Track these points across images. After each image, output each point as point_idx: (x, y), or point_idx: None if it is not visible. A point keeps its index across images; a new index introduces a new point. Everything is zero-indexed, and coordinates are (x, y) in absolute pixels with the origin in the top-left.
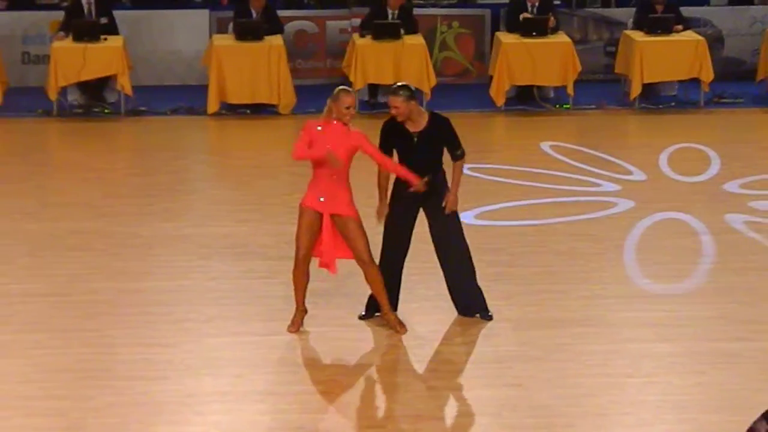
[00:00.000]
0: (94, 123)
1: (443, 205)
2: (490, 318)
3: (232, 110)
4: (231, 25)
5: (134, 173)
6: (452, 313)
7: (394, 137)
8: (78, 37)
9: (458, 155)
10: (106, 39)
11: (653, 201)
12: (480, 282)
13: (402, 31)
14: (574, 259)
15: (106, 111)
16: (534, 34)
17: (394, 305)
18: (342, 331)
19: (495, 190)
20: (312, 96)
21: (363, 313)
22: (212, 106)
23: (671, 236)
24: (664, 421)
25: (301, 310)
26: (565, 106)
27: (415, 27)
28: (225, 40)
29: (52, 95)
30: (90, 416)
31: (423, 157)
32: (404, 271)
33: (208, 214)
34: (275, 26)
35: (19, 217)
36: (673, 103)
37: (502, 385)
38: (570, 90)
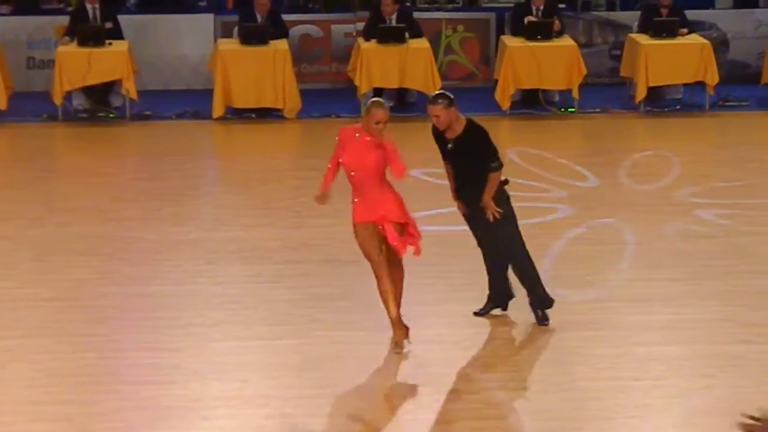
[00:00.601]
0: (100, 128)
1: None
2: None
3: (237, 114)
4: (236, 30)
5: (140, 177)
6: (460, 316)
7: (438, 141)
8: (83, 42)
9: (492, 167)
10: (111, 44)
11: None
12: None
13: (407, 35)
14: (578, 263)
15: (111, 116)
16: (539, 37)
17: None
18: (347, 335)
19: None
20: (317, 100)
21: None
22: (217, 110)
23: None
24: (672, 424)
25: (399, 328)
26: (570, 109)
27: (419, 31)
28: (230, 45)
29: (57, 100)
30: (96, 421)
31: (459, 163)
32: (415, 274)
33: (214, 219)
34: (280, 30)
35: (24, 222)
36: (678, 107)
37: (509, 389)
38: (575, 93)
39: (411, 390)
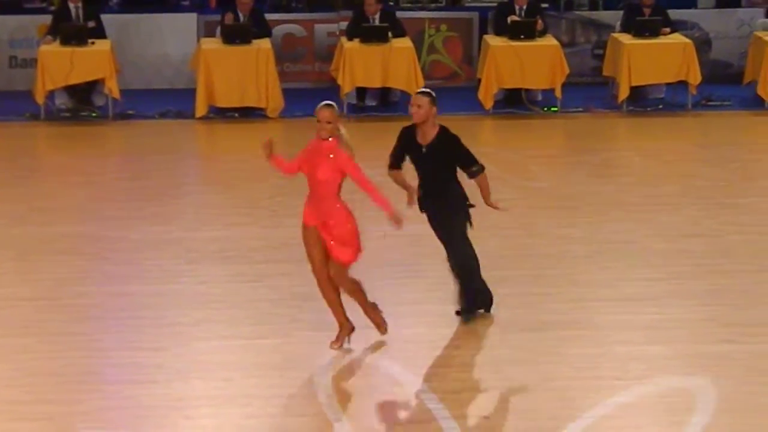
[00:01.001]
0: (82, 127)
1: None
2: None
3: (220, 114)
4: (219, 29)
5: (123, 177)
6: (439, 316)
7: (407, 145)
8: (65, 41)
9: (474, 171)
10: (93, 43)
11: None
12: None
13: (389, 35)
14: (561, 262)
15: (93, 115)
16: (522, 37)
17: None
18: (329, 334)
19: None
20: (300, 99)
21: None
22: (200, 109)
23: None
24: (655, 423)
25: (346, 327)
26: (552, 109)
27: (402, 30)
28: (213, 44)
29: (40, 99)
30: (78, 420)
31: (431, 169)
32: (391, 273)
33: (196, 218)
34: (263, 30)
35: (6, 222)
36: (660, 106)
37: (491, 388)
38: (558, 93)
39: (391, 389)
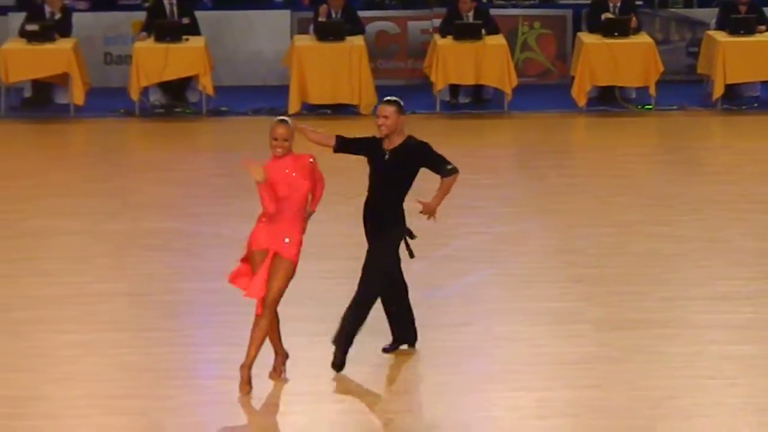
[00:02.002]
0: (176, 123)
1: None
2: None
3: (313, 111)
4: (312, 26)
5: (215, 173)
6: (530, 314)
7: (370, 147)
8: (160, 38)
9: (449, 170)
10: (188, 39)
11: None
12: (561, 283)
13: (483, 32)
14: (655, 261)
15: (187, 111)
16: (616, 34)
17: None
18: (420, 330)
19: (568, 191)
20: (393, 96)
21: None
22: (293, 106)
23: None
24: (747, 423)
25: (281, 355)
26: (646, 106)
27: (495, 27)
28: (306, 41)
29: (134, 95)
30: (170, 415)
31: (386, 178)
32: (481, 271)
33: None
34: (356, 26)
35: (99, 217)
36: (755, 104)
37: (582, 387)
38: (652, 91)
39: (481, 387)
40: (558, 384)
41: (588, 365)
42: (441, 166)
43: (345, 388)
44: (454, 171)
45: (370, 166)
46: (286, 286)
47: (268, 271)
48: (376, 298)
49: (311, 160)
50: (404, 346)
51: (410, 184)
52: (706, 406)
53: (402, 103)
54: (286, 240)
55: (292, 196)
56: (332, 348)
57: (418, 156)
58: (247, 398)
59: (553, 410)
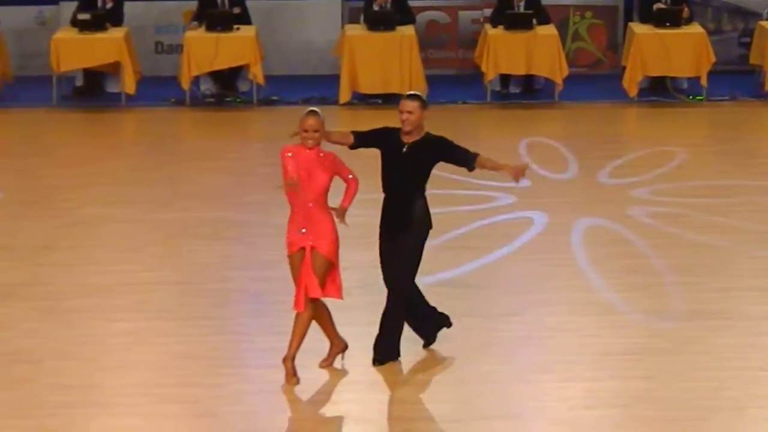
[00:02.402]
0: (227, 112)
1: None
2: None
3: (363, 100)
4: (363, 15)
5: (266, 162)
6: (582, 304)
7: (385, 140)
8: (211, 27)
9: (472, 158)
10: (238, 29)
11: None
12: (614, 273)
13: (534, 22)
14: (707, 252)
15: (238, 100)
16: (667, 24)
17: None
18: (476, 320)
19: (619, 183)
20: (444, 86)
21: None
22: (344, 95)
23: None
24: None
25: (336, 345)
26: (698, 97)
27: (547, 17)
28: (357, 30)
29: (185, 84)
30: (221, 404)
31: (407, 170)
32: (535, 261)
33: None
34: (407, 16)
35: (151, 206)
36: None
37: (633, 377)
38: (704, 81)
39: (533, 378)
40: (607, 375)
41: (638, 356)
42: (465, 159)
43: (396, 378)
44: (474, 158)
45: (385, 159)
46: (325, 279)
47: (309, 269)
48: (408, 297)
49: (335, 156)
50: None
51: (426, 180)
52: (759, 398)
53: (424, 98)
54: (303, 231)
55: (311, 186)
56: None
57: (438, 151)
58: (299, 387)
59: (602, 401)
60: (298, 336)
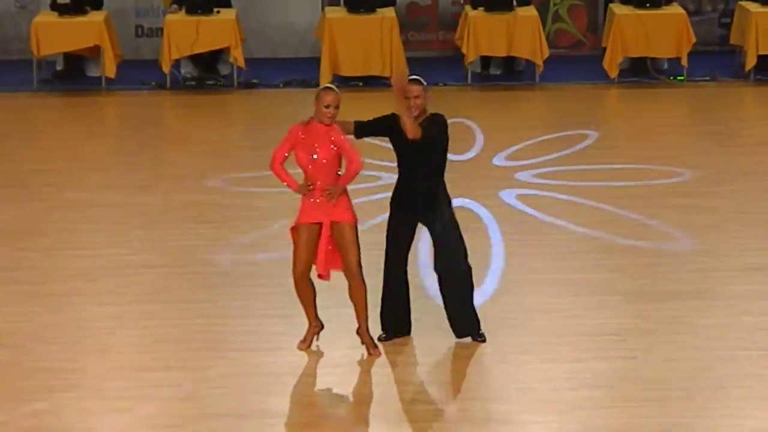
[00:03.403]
0: (207, 95)
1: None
2: (482, 340)
3: (344, 82)
4: None
5: (247, 146)
6: (565, 286)
7: (392, 128)
8: (191, 10)
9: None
10: (219, 12)
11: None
12: (593, 254)
13: (514, 3)
14: (687, 232)
15: (219, 83)
16: (648, 5)
17: (406, 323)
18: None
19: (600, 163)
20: (424, 68)
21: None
22: (324, 78)
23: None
24: None
25: (314, 326)
26: (679, 78)
27: None
28: (337, 12)
29: (166, 68)
30: (204, 387)
31: (422, 154)
32: (517, 243)
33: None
34: None
35: (132, 190)
36: None
37: (616, 358)
38: (684, 62)
39: (516, 359)
40: (590, 355)
41: (620, 337)
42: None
43: (377, 360)
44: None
45: (396, 147)
46: (359, 247)
47: (330, 242)
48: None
49: (338, 129)
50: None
51: (446, 158)
52: (741, 378)
53: (424, 81)
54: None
55: (327, 160)
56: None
57: (441, 129)
58: (282, 370)
59: (585, 381)
60: (362, 308)
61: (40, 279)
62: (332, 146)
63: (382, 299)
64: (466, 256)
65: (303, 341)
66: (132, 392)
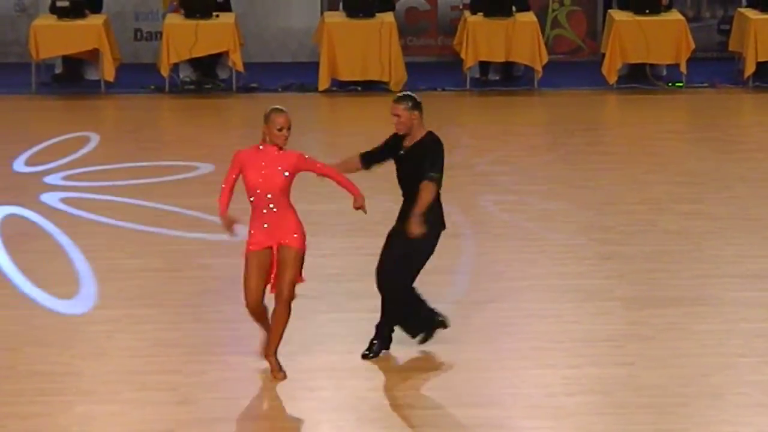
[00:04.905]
0: (206, 99)
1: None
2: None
3: (343, 87)
4: (342, 2)
5: None
6: (563, 291)
7: (392, 147)
8: (190, 14)
9: (431, 176)
10: (218, 16)
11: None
12: (591, 260)
13: (513, 9)
14: (685, 238)
15: (217, 87)
16: (647, 11)
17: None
18: (453, 307)
19: (598, 169)
20: (423, 73)
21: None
22: (323, 82)
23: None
24: None
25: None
26: (677, 84)
27: (526, 4)
28: (336, 17)
29: (164, 72)
30: (201, 390)
31: (405, 174)
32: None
33: (317, 191)
34: (386, 3)
35: (131, 194)
36: None
37: (613, 364)
38: (683, 68)
39: (511, 365)
40: (586, 361)
41: (617, 343)
42: (427, 170)
43: (375, 365)
44: (433, 180)
45: (395, 164)
46: (298, 275)
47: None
48: (410, 293)
49: (305, 155)
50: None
51: (431, 162)
52: (739, 384)
53: (416, 98)
54: (266, 226)
55: (268, 186)
56: (363, 325)
57: (429, 150)
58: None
59: (581, 387)
60: (280, 332)
61: (37, 282)
62: (284, 172)
63: (411, 311)
64: (409, 280)
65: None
66: (128, 395)
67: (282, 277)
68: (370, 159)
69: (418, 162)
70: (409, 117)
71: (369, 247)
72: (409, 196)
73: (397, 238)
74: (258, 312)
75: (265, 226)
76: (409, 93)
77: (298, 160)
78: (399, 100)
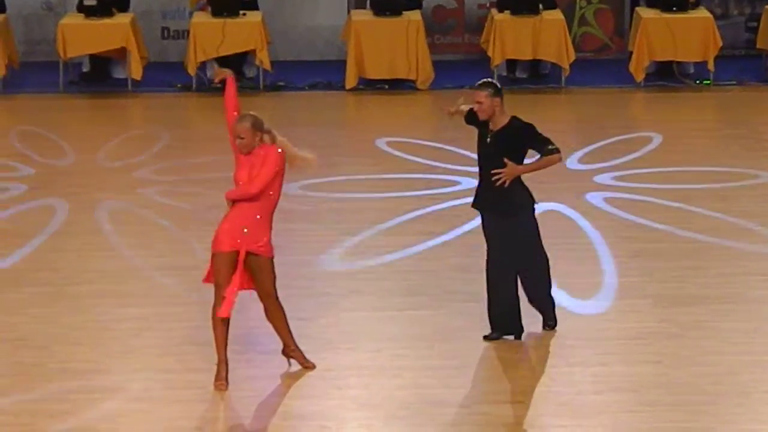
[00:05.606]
0: None
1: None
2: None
3: (370, 85)
4: (369, 0)
5: None
6: (591, 288)
7: (476, 124)
8: (217, 12)
9: (549, 149)
10: (245, 14)
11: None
12: (619, 258)
13: (540, 7)
14: (714, 236)
15: (245, 86)
16: (674, 9)
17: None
18: (482, 306)
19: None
20: (450, 71)
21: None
22: (350, 81)
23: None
24: None
25: (226, 363)
26: (705, 81)
27: (553, 2)
28: (363, 15)
29: (191, 70)
30: (229, 389)
31: (491, 161)
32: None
33: (346, 189)
34: (413, 1)
35: (160, 192)
36: None
37: (641, 362)
38: (710, 65)
39: (541, 361)
40: (616, 359)
41: (646, 341)
42: (543, 147)
43: (403, 363)
44: (555, 151)
45: (477, 144)
46: (275, 275)
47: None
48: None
49: (279, 150)
50: (510, 337)
51: (529, 147)
52: (765, 383)
53: (497, 85)
54: (246, 230)
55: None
56: (391, 323)
57: (522, 138)
58: (306, 372)
59: (609, 386)
60: (283, 328)
61: (67, 280)
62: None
63: (489, 300)
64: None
65: (218, 379)
66: (156, 393)
67: (263, 284)
68: (469, 117)
69: (506, 150)
70: (491, 103)
71: (401, 245)
72: (488, 178)
73: (499, 229)
74: (220, 324)
75: (245, 230)
76: (489, 80)
77: (273, 160)
78: (480, 86)
